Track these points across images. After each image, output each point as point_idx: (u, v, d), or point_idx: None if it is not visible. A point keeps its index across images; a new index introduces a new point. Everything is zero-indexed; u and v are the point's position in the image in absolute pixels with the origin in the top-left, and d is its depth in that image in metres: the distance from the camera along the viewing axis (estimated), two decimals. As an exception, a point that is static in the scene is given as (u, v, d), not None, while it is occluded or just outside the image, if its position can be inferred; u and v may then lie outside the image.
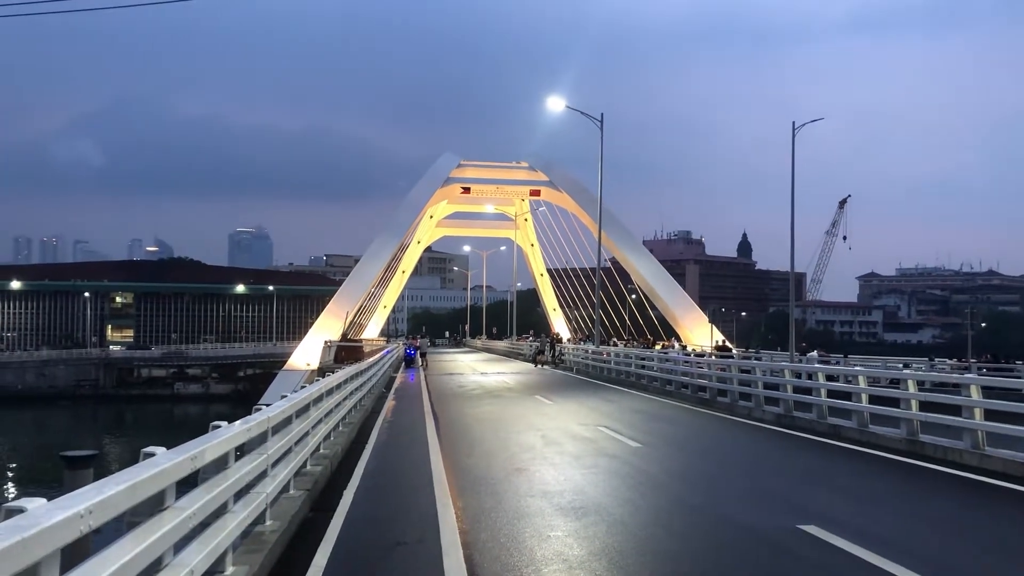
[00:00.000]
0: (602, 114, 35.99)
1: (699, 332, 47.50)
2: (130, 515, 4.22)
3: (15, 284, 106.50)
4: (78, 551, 3.65)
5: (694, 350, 40.52)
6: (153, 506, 4.47)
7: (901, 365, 25.99)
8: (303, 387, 10.68)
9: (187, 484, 5.10)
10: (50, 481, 30.98)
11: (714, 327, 43.14)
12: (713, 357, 25.92)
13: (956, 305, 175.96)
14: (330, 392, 12.36)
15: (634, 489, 9.58)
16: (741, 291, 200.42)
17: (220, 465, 5.79)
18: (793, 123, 35.58)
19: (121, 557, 3.95)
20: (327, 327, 49.15)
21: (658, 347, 40.75)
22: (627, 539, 7.35)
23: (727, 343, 38.61)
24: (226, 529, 5.66)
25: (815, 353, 38.14)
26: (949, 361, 34.07)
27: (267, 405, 7.95)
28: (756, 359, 31.91)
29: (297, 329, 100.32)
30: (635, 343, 45.61)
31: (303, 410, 9.53)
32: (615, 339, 51.76)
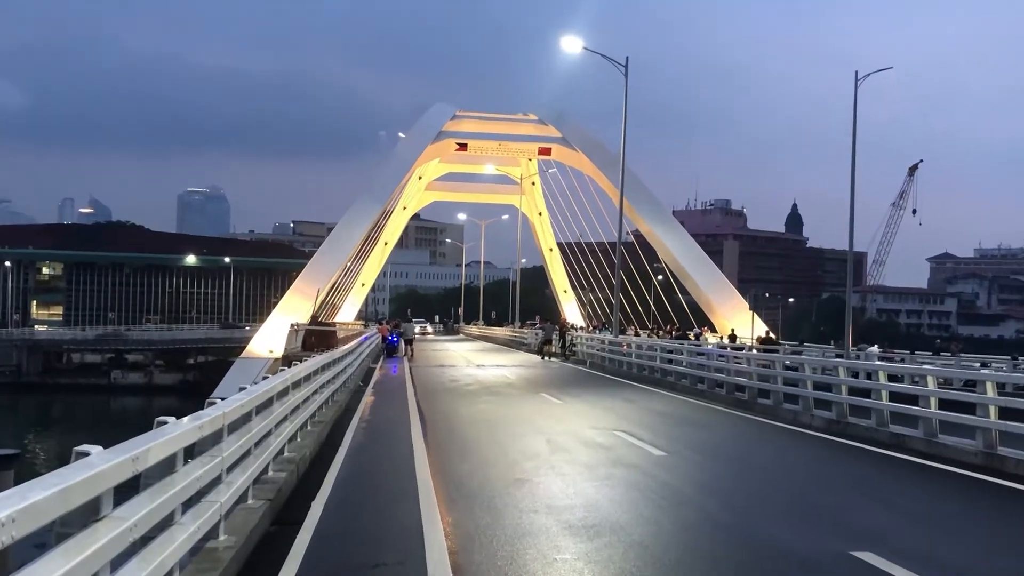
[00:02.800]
0: (627, 58, 35.85)
1: (738, 321, 47.66)
2: (59, 525, 4.23)
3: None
4: (-4, 566, 3.62)
5: (737, 340, 40.66)
6: (87, 515, 4.47)
7: (978, 364, 25.95)
8: (265, 378, 10.73)
9: (127, 490, 5.14)
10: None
11: (755, 315, 43.14)
12: (755, 351, 25.99)
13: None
14: (297, 385, 12.42)
15: (656, 505, 9.64)
16: (789, 273, 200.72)
17: (166, 468, 5.83)
18: (856, 73, 35.38)
19: (48, 574, 3.95)
20: (294, 308, 49.38)
21: (691, 337, 40.80)
22: (648, 565, 7.40)
23: (771, 335, 38.69)
24: (173, 544, 5.69)
25: (875, 348, 38.18)
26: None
27: (222, 399, 7.97)
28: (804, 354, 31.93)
29: (258, 309, 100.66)
30: (661, 333, 45.69)
31: (265, 405, 9.57)
32: (637, 328, 52.06)
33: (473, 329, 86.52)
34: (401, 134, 63.48)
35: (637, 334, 46.05)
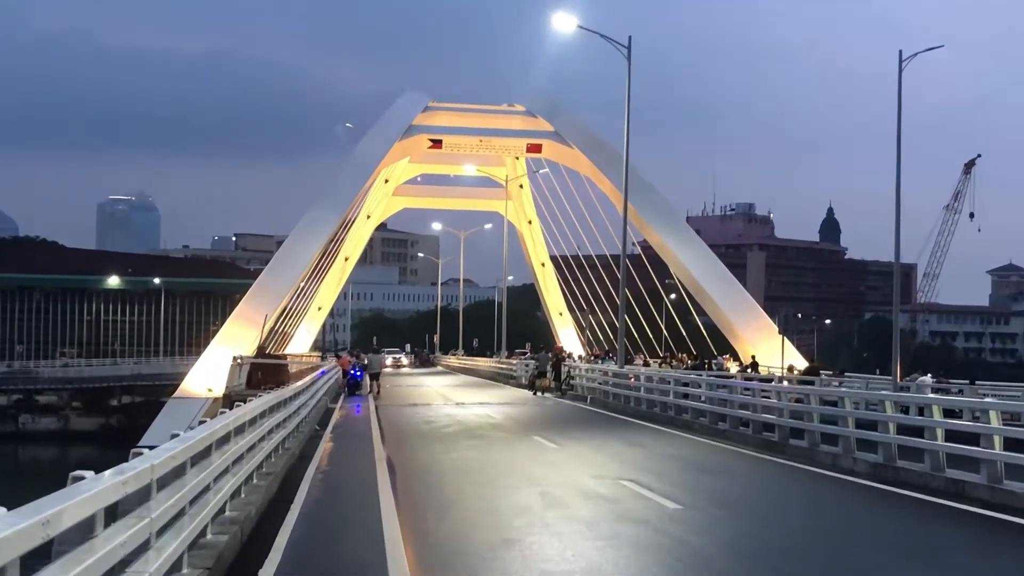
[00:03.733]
0: (629, 38, 36.11)
1: (765, 347, 47.99)
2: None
3: None
4: None
5: (760, 368, 40.66)
6: (-15, 595, 4.41)
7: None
8: (203, 422, 10.70)
9: (38, 559, 5.07)
10: None
11: (786, 340, 43.30)
12: (786, 383, 26.03)
13: None
14: (241, 430, 12.39)
15: (671, 569, 9.63)
16: (825, 289, 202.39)
17: (83, 533, 5.78)
18: (900, 53, 35.70)
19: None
20: (237, 337, 49.47)
21: (711, 367, 40.93)
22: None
23: (812, 364, 38.73)
24: (91, 626, 5.67)
25: (928, 378, 38.37)
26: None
27: (151, 448, 7.93)
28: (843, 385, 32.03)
29: (195, 340, 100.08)
30: (674, 362, 45.79)
31: (202, 455, 9.54)
32: (646, 356, 52.17)
33: (452, 360, 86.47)
34: (349, 124, 63.87)
35: (646, 364, 46.22)
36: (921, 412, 17.15)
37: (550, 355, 45.76)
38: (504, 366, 58.47)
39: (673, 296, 62.88)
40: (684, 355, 50.53)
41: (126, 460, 7.24)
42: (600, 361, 47.55)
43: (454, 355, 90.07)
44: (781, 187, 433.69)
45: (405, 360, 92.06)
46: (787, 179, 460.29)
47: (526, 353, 62.02)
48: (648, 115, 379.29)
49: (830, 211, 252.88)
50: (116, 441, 52.66)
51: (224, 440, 10.94)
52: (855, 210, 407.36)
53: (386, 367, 55.28)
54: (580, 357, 55.15)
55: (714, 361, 45.79)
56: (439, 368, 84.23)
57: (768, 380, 31.81)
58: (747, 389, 24.50)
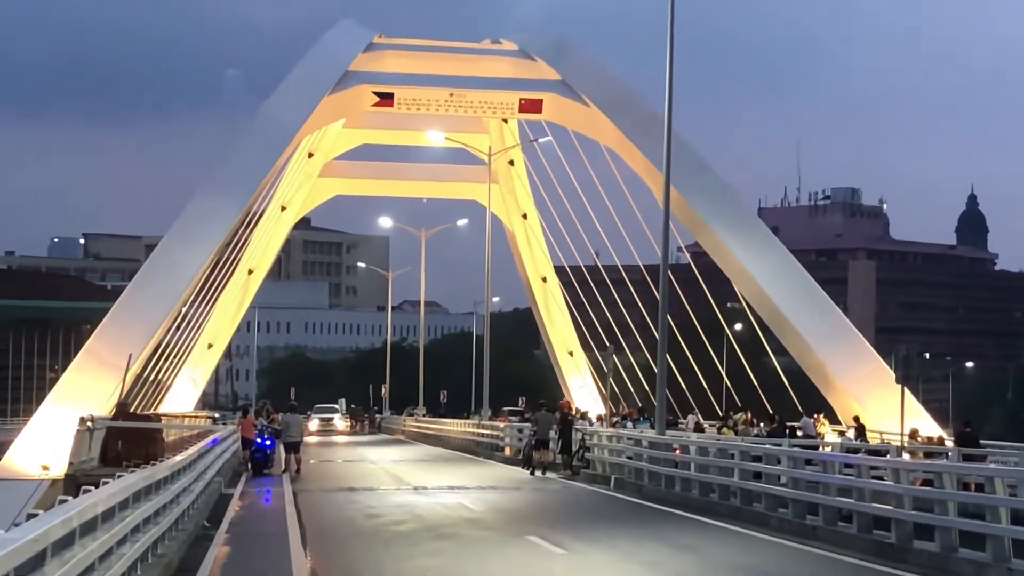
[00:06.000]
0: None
1: (876, 402, 48.00)
2: None
3: None
4: None
5: (877, 437, 40.48)
6: None
7: None
8: (32, 517, 10.55)
9: None
10: None
11: (907, 392, 43.11)
12: (907, 456, 25.88)
13: None
14: (91, 529, 12.24)
15: None
16: (965, 315, 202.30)
17: None
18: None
19: None
20: (87, 389, 49.34)
21: (795, 432, 40.89)
22: None
23: (966, 431, 38.44)
24: None
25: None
26: None
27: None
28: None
29: (23, 392, 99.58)
30: (741, 425, 45.65)
31: None
32: (700, 417, 51.84)
33: (408, 422, 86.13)
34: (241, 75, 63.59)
35: (699, 428, 46.17)
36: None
37: (555, 415, 45.48)
38: (487, 432, 58.31)
39: (738, 327, 62.68)
40: (749, 415, 49.70)
41: None
42: (630, 424, 47.33)
43: (412, 415, 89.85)
44: (898, 166, 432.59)
45: (340, 423, 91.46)
46: (907, 154, 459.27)
47: (520, 412, 61.54)
48: (700, 64, 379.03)
49: (972, 201, 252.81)
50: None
51: (63, 546, 10.78)
52: (1009, 201, 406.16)
53: (311, 433, 54.97)
54: (599, 418, 54.43)
55: (799, 424, 45.71)
56: (387, 435, 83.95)
57: (881, 452, 31.56)
58: (849, 466, 24.30)
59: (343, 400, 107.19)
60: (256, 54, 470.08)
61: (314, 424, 75.20)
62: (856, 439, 41.91)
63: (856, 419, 44.75)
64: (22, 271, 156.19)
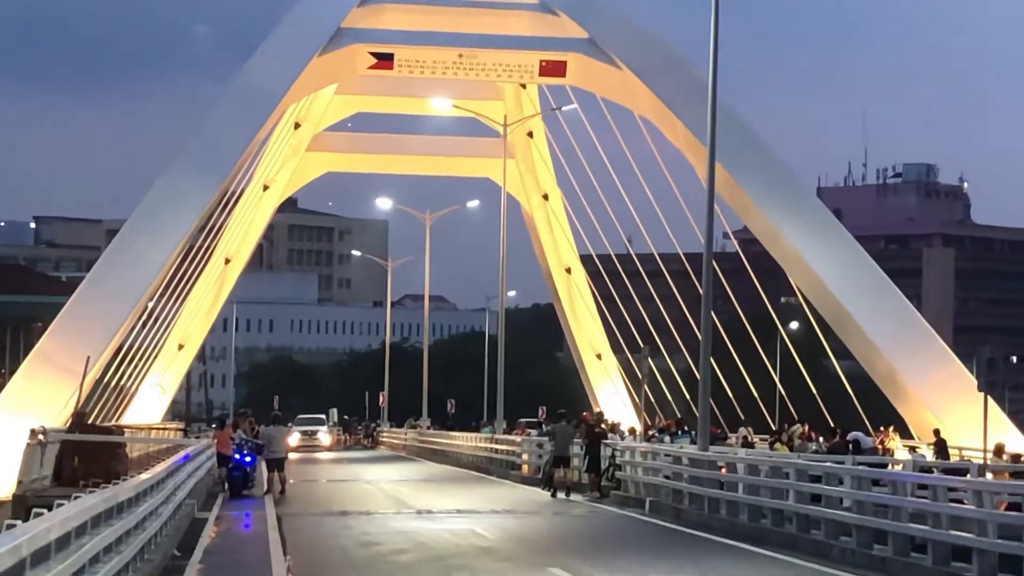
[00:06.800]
0: None
1: (955, 414, 48.17)
2: None
3: None
4: None
5: (958, 454, 40.80)
6: None
7: None
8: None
9: None
10: None
11: (990, 401, 42.93)
12: (990, 475, 25.71)
13: None
14: (41, 560, 12.25)
15: None
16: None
17: None
18: None
19: None
20: (38, 396, 49.69)
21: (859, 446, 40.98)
22: None
23: None
24: None
25: None
26: None
27: None
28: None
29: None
30: (798, 440, 45.93)
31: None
32: (750, 431, 52.25)
33: (409, 436, 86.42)
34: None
35: (748, 443, 46.35)
36: None
37: (577, 426, 46.15)
38: (501, 447, 58.52)
39: (794, 325, 62.54)
40: (807, 428, 50.28)
41: None
42: (667, 439, 47.30)
43: (415, 428, 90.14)
44: (981, 138, 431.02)
45: (325, 438, 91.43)
46: (991, 126, 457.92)
47: (541, 424, 61.58)
48: (750, 20, 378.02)
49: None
50: None
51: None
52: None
53: (291, 449, 55.06)
54: (632, 431, 54.96)
55: (865, 439, 45.63)
56: (387, 450, 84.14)
57: (962, 471, 31.68)
58: (923, 487, 24.37)
59: (334, 410, 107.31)
60: (234, 8, 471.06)
61: (294, 439, 75.31)
62: (935, 456, 42.32)
63: (936, 433, 45.13)
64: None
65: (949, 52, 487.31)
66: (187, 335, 76.53)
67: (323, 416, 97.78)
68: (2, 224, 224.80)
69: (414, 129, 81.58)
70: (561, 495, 41.69)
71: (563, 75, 63.34)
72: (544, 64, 62.58)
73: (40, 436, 41.65)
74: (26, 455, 41.05)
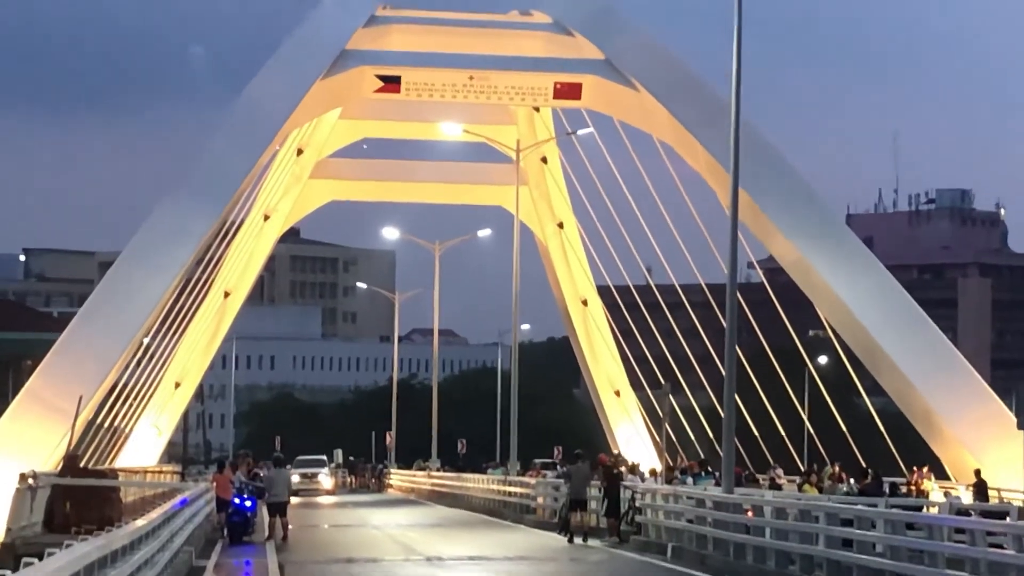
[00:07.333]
0: None
1: (995, 453, 48.20)
2: None
3: None
4: None
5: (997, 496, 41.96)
6: None
7: None
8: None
9: None
10: None
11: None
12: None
13: None
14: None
15: None
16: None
17: None
18: None
19: None
20: (27, 439, 49.97)
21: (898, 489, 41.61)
22: None
23: None
24: None
25: None
26: None
27: None
28: None
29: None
30: (829, 481, 46.87)
31: None
32: (779, 471, 52.66)
33: (418, 478, 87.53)
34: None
35: (776, 485, 47.32)
36: None
37: (595, 467, 46.78)
38: (515, 489, 59.24)
39: (823, 360, 62.13)
40: (838, 470, 51.29)
41: None
42: (690, 480, 48.07)
43: (424, 469, 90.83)
44: (1018, 163, 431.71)
45: (327, 481, 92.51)
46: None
47: (556, 465, 61.74)
48: (774, 41, 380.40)
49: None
50: None
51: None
52: None
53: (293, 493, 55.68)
54: (653, 473, 54.29)
55: (899, 481, 46.93)
56: (394, 492, 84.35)
57: (1001, 514, 31.46)
58: (961, 531, 24.70)
59: (338, 451, 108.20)
60: (235, 32, 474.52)
61: (296, 478, 76.00)
62: (974, 498, 42.54)
63: (977, 473, 45.01)
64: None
65: (983, 73, 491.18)
66: (184, 373, 76.90)
67: (324, 457, 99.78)
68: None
69: (422, 155, 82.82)
70: (578, 540, 41.93)
71: (578, 98, 63.64)
72: (559, 86, 62.95)
73: (30, 480, 42.25)
74: (15, 501, 41.40)
